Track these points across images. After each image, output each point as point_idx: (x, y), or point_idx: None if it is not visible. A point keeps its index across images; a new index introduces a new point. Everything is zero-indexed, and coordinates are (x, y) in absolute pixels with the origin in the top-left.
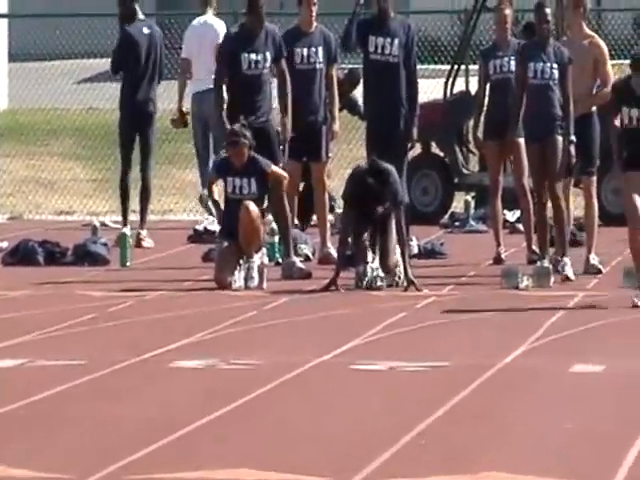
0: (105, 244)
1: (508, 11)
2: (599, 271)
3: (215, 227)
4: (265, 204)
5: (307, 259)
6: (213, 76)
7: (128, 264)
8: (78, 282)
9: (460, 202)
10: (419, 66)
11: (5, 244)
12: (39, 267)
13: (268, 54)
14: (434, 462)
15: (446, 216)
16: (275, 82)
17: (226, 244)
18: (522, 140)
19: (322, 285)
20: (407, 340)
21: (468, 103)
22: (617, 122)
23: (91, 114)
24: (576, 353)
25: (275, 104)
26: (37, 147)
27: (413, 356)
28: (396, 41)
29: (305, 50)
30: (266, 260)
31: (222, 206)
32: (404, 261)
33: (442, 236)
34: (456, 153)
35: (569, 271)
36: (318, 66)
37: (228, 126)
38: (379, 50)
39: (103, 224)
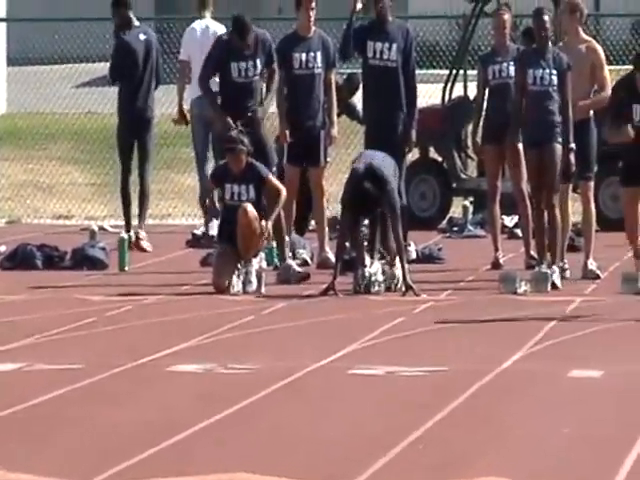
0: (103, 248)
1: (507, 16)
2: (597, 276)
3: (215, 232)
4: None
5: (305, 264)
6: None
7: (126, 268)
8: (76, 286)
9: (458, 207)
10: (417, 71)
11: (3, 248)
12: (37, 271)
13: (258, 61)
14: (432, 467)
15: (444, 221)
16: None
17: (224, 248)
18: (521, 145)
19: (320, 290)
20: (405, 345)
21: (466, 108)
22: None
23: (89, 118)
24: (574, 358)
25: (272, 109)
26: (35, 151)
27: (411, 361)
28: (394, 46)
29: (303, 55)
30: (264, 265)
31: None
32: (402, 266)
33: (440, 241)
34: (454, 158)
35: (557, 279)
36: (317, 71)
37: (227, 119)
38: (377, 55)
39: (101, 228)
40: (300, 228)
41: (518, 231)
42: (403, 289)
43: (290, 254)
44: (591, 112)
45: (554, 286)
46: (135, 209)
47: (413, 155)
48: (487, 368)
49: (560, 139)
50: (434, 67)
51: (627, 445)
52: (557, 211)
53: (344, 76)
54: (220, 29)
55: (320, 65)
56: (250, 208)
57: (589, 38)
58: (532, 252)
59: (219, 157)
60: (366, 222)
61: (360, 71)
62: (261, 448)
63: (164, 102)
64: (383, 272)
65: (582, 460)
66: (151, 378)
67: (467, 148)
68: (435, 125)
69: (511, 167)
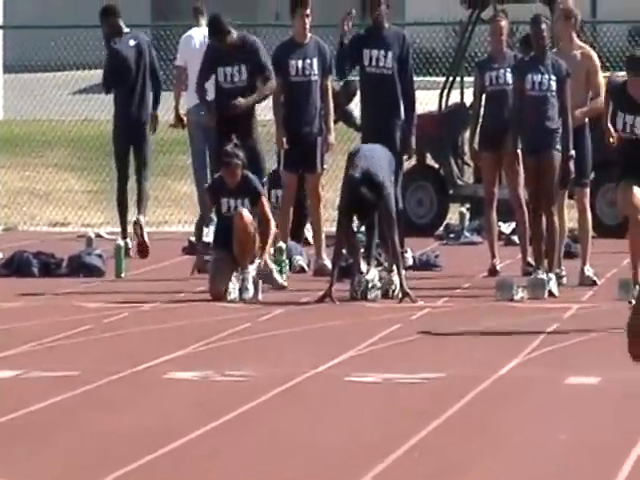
0: (100, 255)
1: (503, 23)
2: (594, 283)
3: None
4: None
5: (302, 270)
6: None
7: (123, 275)
8: (73, 293)
9: (455, 214)
10: (414, 78)
11: (0, 255)
12: (34, 278)
13: (244, 67)
14: (428, 474)
15: (441, 228)
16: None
17: (220, 255)
18: (518, 151)
19: (317, 297)
20: (402, 352)
21: (463, 115)
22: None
23: (86, 125)
24: (571, 365)
25: (269, 116)
26: (32, 158)
27: (408, 368)
28: (390, 53)
29: (300, 62)
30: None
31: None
32: (399, 273)
33: (437, 248)
34: (451, 165)
35: (554, 287)
36: (313, 78)
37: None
38: (373, 63)
39: (98, 235)
40: (296, 235)
41: (515, 238)
42: (400, 296)
43: (287, 261)
44: (586, 119)
45: (551, 294)
46: (132, 216)
47: (410, 162)
48: (484, 375)
49: (559, 146)
50: (430, 74)
51: (625, 451)
52: (555, 218)
53: (341, 83)
54: None
55: (317, 72)
56: (246, 213)
57: (583, 44)
58: (529, 259)
59: (215, 170)
60: (363, 229)
61: (357, 78)
62: (258, 455)
63: (160, 109)
64: (380, 278)
65: (580, 467)
66: (148, 385)
67: (464, 155)
68: (432, 132)
69: (508, 173)
